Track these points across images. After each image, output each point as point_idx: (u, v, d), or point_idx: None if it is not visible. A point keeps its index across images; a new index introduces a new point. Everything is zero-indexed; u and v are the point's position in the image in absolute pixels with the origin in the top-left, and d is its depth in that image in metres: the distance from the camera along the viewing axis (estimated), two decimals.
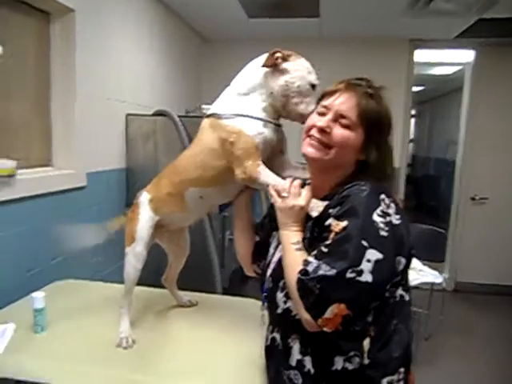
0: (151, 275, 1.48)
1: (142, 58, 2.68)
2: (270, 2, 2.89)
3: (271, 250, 1.10)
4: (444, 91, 6.13)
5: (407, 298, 0.90)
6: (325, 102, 0.96)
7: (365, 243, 0.80)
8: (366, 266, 0.78)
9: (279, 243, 1.02)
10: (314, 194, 0.97)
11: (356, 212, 0.83)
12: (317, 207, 0.93)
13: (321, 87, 1.08)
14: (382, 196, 0.86)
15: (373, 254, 0.79)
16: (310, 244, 0.91)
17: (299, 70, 1.09)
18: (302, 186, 0.98)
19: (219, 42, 3.91)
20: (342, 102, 0.93)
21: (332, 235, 0.83)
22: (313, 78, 1.10)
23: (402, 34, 3.58)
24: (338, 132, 0.92)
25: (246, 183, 1.11)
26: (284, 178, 1.05)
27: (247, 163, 1.06)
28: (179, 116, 2.38)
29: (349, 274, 0.78)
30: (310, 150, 0.95)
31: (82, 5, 1.94)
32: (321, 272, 0.80)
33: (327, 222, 0.87)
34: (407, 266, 0.87)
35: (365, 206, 0.83)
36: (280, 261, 0.98)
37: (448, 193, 4.36)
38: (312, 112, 1.01)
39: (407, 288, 0.91)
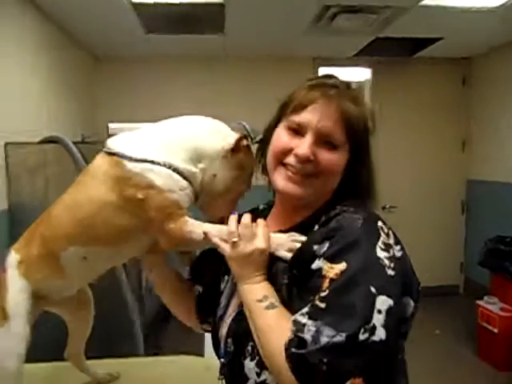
0: (48, 346, 1.10)
1: (27, 78, 2.29)
2: (171, 16, 2.67)
3: (223, 300, 0.85)
4: None
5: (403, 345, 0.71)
6: (297, 118, 0.74)
7: (373, 290, 0.60)
8: (377, 320, 0.59)
9: (234, 290, 0.80)
10: (277, 225, 0.76)
11: (355, 249, 0.63)
12: (284, 243, 0.72)
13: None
14: (380, 223, 0.68)
15: (383, 302, 0.60)
16: (289, 293, 0.69)
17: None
18: (253, 219, 0.75)
19: (114, 60, 3.58)
20: (323, 119, 0.72)
21: (326, 283, 0.62)
22: None
23: (306, 52, 3.64)
24: (325, 157, 0.72)
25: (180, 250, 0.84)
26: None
27: (169, 227, 0.76)
28: (75, 143, 2.00)
29: (361, 336, 0.58)
30: (291, 186, 0.74)
31: None
32: (325, 340, 0.58)
33: (314, 265, 0.66)
34: (415, 310, 0.68)
35: (365, 239, 0.64)
36: (240, 315, 0.75)
37: None
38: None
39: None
